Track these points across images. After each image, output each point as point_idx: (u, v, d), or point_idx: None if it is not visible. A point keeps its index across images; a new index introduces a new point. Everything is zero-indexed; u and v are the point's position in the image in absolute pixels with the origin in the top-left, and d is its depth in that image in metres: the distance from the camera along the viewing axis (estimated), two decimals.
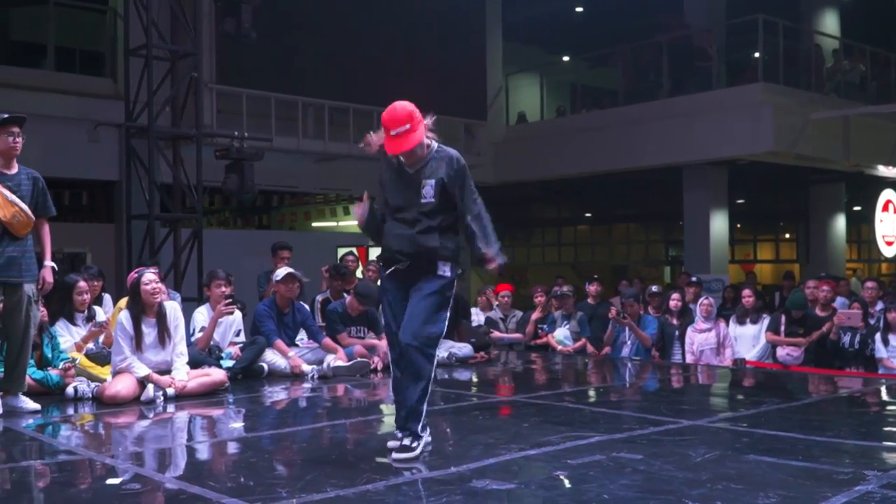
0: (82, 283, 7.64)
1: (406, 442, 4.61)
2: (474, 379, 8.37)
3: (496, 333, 10.76)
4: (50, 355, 7.07)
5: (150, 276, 6.93)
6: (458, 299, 9.72)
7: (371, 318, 9.10)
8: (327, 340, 8.56)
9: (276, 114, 14.28)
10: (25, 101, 11.26)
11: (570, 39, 20.87)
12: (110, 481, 4.24)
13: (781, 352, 9.35)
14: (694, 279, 11.34)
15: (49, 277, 6.24)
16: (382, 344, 8.79)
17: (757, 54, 15.94)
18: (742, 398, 7.75)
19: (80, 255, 13.26)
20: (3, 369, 6.22)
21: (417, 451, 4.59)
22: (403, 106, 4.74)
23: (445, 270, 4.73)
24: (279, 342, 8.30)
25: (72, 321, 7.59)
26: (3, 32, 13.98)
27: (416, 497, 3.90)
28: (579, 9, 20.87)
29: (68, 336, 7.49)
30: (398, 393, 4.74)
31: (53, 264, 6.32)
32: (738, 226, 20.85)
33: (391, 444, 4.68)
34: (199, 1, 12.70)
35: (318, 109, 15.08)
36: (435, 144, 4.85)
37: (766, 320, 9.62)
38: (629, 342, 9.92)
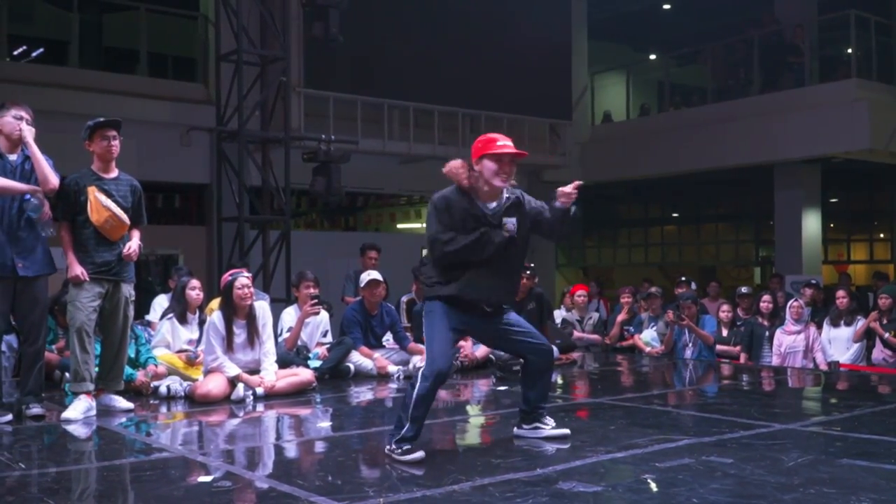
0: (195, 281, 7.83)
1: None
2: (559, 381, 8.32)
3: (574, 334, 10.69)
4: (133, 355, 7.23)
5: (243, 281, 7.06)
6: (541, 300, 9.73)
7: None
8: (412, 344, 8.60)
9: (362, 116, 14.41)
10: (120, 106, 11.59)
11: (657, 37, 20.61)
12: (202, 479, 4.33)
13: (878, 355, 9.10)
14: (745, 290, 11.05)
15: (136, 247, 6.32)
16: (466, 346, 8.84)
17: (850, 50, 15.55)
18: (835, 401, 7.56)
19: (173, 256, 13.59)
20: (98, 368, 6.39)
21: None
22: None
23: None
24: (363, 348, 8.39)
25: (182, 321, 7.73)
26: (96, 39, 14.38)
27: (503, 498, 3.89)
28: (666, 6, 20.60)
29: (168, 336, 7.63)
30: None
31: (141, 244, 6.42)
32: (832, 225, 20.32)
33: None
34: (287, 6, 12.91)
35: (403, 111, 15.17)
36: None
37: (860, 322, 9.38)
38: (691, 344, 9.71)
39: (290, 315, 8.50)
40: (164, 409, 6.68)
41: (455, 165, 4.77)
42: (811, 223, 16.39)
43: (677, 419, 6.13)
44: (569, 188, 4.78)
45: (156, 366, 7.26)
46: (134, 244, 6.30)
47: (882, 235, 21.56)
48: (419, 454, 4.58)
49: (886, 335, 8.95)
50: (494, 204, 4.80)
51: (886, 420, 6.04)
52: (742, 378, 8.85)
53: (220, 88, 12.63)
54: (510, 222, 4.77)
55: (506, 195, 4.84)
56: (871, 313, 9.39)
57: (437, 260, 4.77)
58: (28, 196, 5.92)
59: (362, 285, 8.59)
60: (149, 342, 7.59)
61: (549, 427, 5.12)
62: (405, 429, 4.66)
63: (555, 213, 4.86)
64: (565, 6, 17.85)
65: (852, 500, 3.77)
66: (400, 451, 4.61)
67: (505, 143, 4.73)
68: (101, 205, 6.10)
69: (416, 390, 4.68)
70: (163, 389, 7.01)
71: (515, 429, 5.20)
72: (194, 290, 7.74)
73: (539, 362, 5.06)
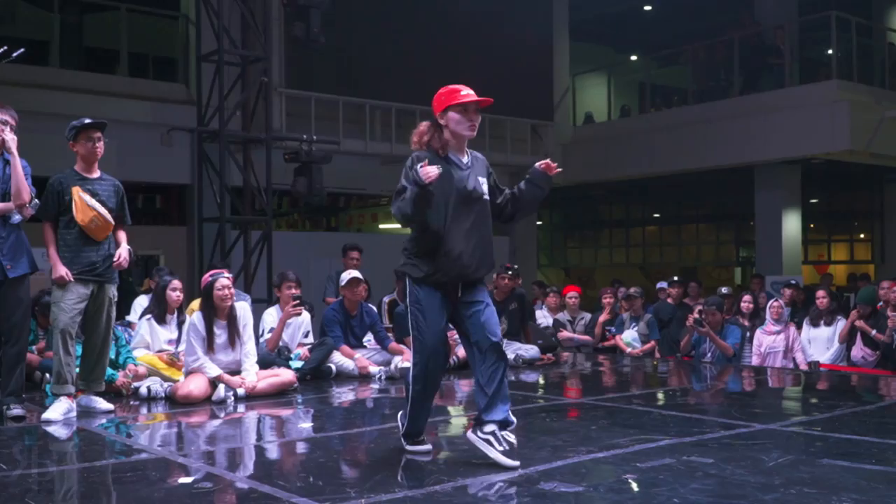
0: (177, 282, 7.78)
1: None
2: (541, 381, 8.33)
3: (565, 334, 10.71)
4: (113, 356, 7.19)
5: (223, 282, 7.03)
6: (523, 301, 9.75)
7: None
8: (393, 344, 8.62)
9: (344, 117, 14.40)
10: (100, 107, 11.53)
11: (639, 38, 20.70)
12: (183, 480, 4.32)
13: (857, 354, 9.16)
14: (725, 291, 11.10)
15: (125, 254, 6.32)
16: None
17: (830, 51, 15.64)
18: (816, 402, 7.59)
19: (154, 257, 13.54)
20: (79, 369, 6.35)
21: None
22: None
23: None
24: (344, 347, 8.38)
25: (161, 322, 7.69)
26: (77, 39, 14.29)
27: (484, 498, 3.90)
28: (648, 7, 20.67)
29: (147, 337, 7.59)
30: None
31: (130, 248, 6.42)
32: (812, 226, 20.45)
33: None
34: (268, 6, 12.88)
35: (385, 112, 15.16)
36: None
37: (840, 322, 9.44)
38: (710, 353, 9.55)
39: (271, 316, 8.47)
40: (144, 411, 6.65)
41: (421, 130, 4.73)
42: (791, 224, 16.48)
43: (658, 419, 6.15)
44: (551, 162, 4.72)
45: (135, 365, 7.22)
46: (123, 252, 6.30)
47: (862, 236, 21.72)
48: (427, 446, 4.75)
49: (873, 332, 9.00)
50: (465, 158, 4.68)
51: (867, 420, 6.08)
52: (723, 378, 8.89)
53: (200, 89, 12.59)
54: (481, 183, 4.64)
55: (471, 153, 4.73)
56: (853, 311, 9.45)
57: (395, 213, 4.57)
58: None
59: (343, 284, 8.59)
60: (129, 343, 7.55)
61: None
62: (404, 425, 4.76)
63: (532, 188, 4.76)
64: (547, 7, 17.88)
65: (833, 500, 3.79)
66: (409, 441, 4.79)
67: (468, 93, 4.62)
68: (86, 205, 6.07)
69: (409, 384, 4.71)
70: (143, 390, 6.97)
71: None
72: (175, 290, 7.71)
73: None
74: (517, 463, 4.38)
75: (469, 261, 4.54)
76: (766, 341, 9.45)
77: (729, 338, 9.48)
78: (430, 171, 4.32)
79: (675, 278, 11.88)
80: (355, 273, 8.68)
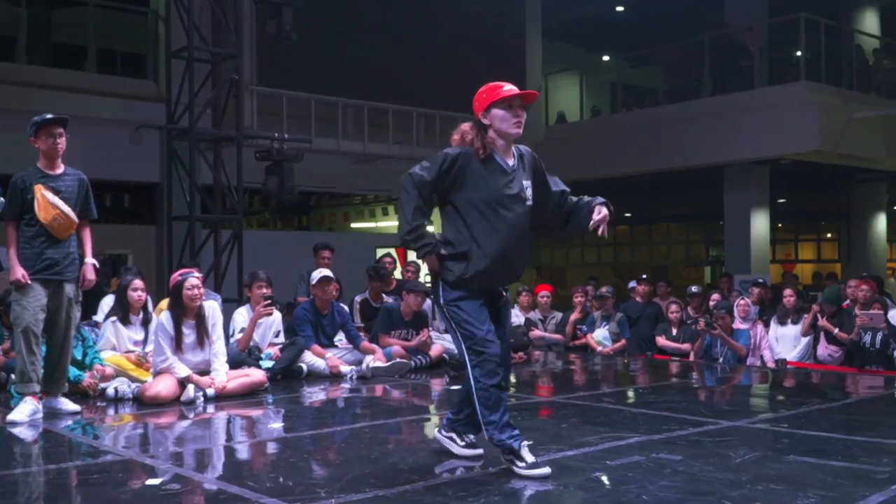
0: (137, 281, 7.67)
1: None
2: (512, 379, 8.34)
3: (536, 333, 10.73)
4: (80, 356, 7.12)
5: (193, 281, 6.98)
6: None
7: (422, 323, 9.14)
8: (365, 343, 8.61)
9: (316, 115, 14.35)
10: (67, 103, 11.41)
11: (611, 39, 20.79)
12: (150, 482, 4.28)
13: (822, 352, 9.25)
14: (695, 289, 11.18)
15: (90, 275, 6.30)
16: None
17: (799, 53, 15.78)
18: (783, 399, 7.66)
19: (122, 256, 13.42)
20: (43, 371, 6.29)
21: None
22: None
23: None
24: (315, 347, 8.36)
25: (126, 322, 7.60)
26: (44, 34, 14.14)
27: (455, 497, 3.90)
28: (620, 8, 20.77)
29: (112, 339, 7.52)
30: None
31: (94, 261, 6.39)
32: (780, 225, 20.64)
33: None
34: (240, 3, 12.79)
35: (358, 111, 15.13)
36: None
37: (805, 319, 9.54)
38: (721, 358, 9.52)
39: (242, 315, 8.42)
40: (111, 412, 6.58)
41: (464, 129, 4.42)
42: (760, 223, 16.61)
43: (628, 417, 6.17)
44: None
45: (102, 365, 7.15)
46: (88, 272, 6.27)
47: (829, 235, 21.95)
48: (546, 469, 4.22)
49: (836, 331, 9.10)
50: (512, 160, 4.41)
51: (833, 417, 6.15)
52: (691, 376, 8.95)
53: (170, 86, 12.48)
54: (527, 187, 4.41)
55: (518, 152, 4.47)
56: (813, 306, 9.54)
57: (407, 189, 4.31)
58: None
59: (314, 283, 8.57)
60: (96, 343, 7.47)
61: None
62: (506, 439, 4.26)
63: (581, 217, 4.58)
64: (520, 7, 17.92)
65: (800, 496, 3.83)
66: (524, 465, 4.23)
67: (511, 87, 4.33)
68: (48, 203, 6.02)
69: (476, 397, 4.28)
70: (110, 391, 6.91)
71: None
72: (136, 290, 7.60)
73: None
74: (480, 451, 4.51)
75: (501, 267, 4.34)
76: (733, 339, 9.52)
77: (740, 339, 9.51)
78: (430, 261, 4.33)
79: (644, 276, 11.94)
80: (326, 272, 8.66)
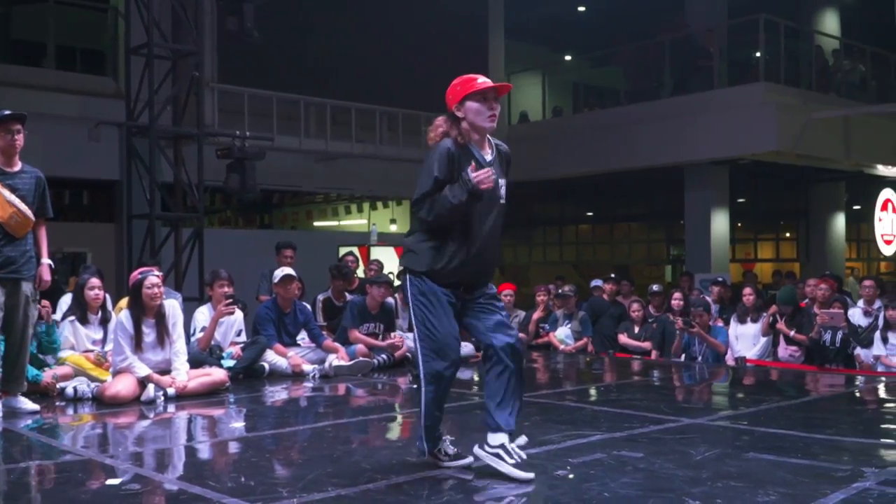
0: (94, 279, 7.58)
1: None
2: (475, 378, 8.36)
3: None
4: (40, 355, 7.03)
5: (153, 280, 6.92)
6: None
7: (389, 316, 9.12)
8: (328, 342, 8.59)
9: (278, 113, 14.29)
10: (26, 100, 11.24)
11: (573, 38, 20.87)
12: (110, 482, 4.24)
13: (783, 353, 9.36)
14: (656, 288, 11.26)
15: (46, 275, 6.24)
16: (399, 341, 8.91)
17: (758, 54, 15.94)
18: (742, 396, 7.75)
19: (81, 254, 13.27)
20: (2, 370, 6.21)
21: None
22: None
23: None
24: (278, 346, 8.32)
25: (84, 322, 7.52)
26: (3, 30, 13.96)
27: (417, 496, 3.89)
28: (581, 8, 20.86)
29: (71, 338, 7.43)
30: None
31: (50, 262, 6.32)
32: (739, 225, 20.84)
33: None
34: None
35: (320, 109, 15.08)
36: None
37: (764, 319, 9.64)
38: (700, 356, 9.53)
39: (203, 314, 8.36)
40: (71, 411, 6.51)
41: (437, 124, 4.34)
42: (719, 223, 16.75)
43: (590, 415, 6.21)
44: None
45: (51, 367, 7.07)
46: (45, 275, 6.22)
47: (788, 235, 22.22)
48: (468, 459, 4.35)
49: (792, 333, 9.20)
50: (489, 154, 4.38)
51: (792, 415, 6.22)
52: (653, 374, 9.02)
53: (130, 82, 12.36)
54: (503, 185, 4.37)
55: (494, 147, 4.44)
56: (772, 307, 9.64)
57: (426, 216, 4.17)
58: None
59: (276, 281, 8.53)
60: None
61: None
62: (422, 442, 4.36)
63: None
64: (483, 7, 17.95)
65: (759, 493, 3.86)
66: (447, 458, 4.38)
67: (485, 80, 4.28)
68: (4, 200, 5.95)
69: (422, 397, 4.26)
70: (69, 391, 6.83)
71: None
72: (93, 289, 7.52)
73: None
74: (531, 475, 4.14)
75: (479, 263, 4.30)
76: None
77: (718, 337, 9.53)
78: (484, 178, 4.05)
79: (612, 275, 12.02)
80: (289, 270, 8.63)
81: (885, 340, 8.66)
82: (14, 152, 6.10)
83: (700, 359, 9.47)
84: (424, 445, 4.37)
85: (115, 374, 6.85)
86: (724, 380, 8.61)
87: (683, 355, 9.51)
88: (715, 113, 15.17)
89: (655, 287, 11.36)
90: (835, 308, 9.19)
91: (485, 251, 4.30)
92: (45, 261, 6.27)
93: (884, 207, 18.52)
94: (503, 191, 4.41)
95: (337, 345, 8.57)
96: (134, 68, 12.30)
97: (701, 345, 9.50)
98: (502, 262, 22.88)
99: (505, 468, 4.13)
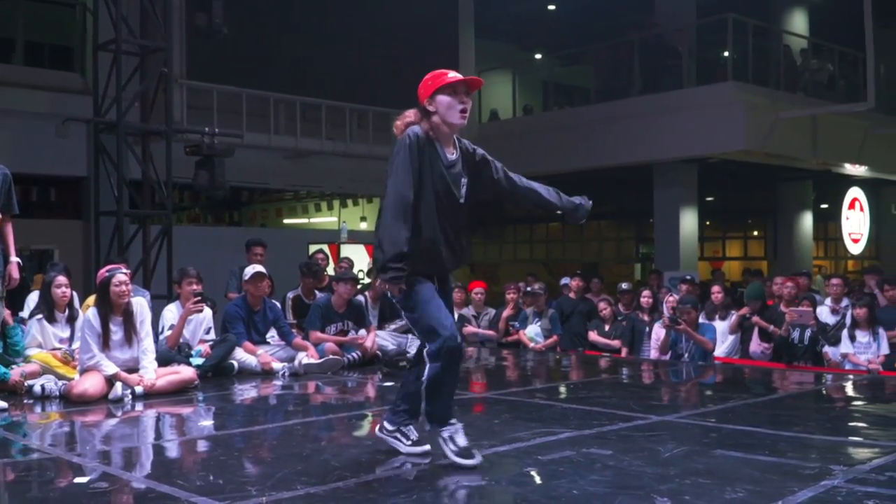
0: (61, 277, 7.51)
1: None
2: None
3: (469, 329, 10.77)
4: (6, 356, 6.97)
5: (120, 278, 6.86)
6: None
7: (358, 313, 9.07)
8: (297, 340, 8.56)
9: (247, 110, 14.21)
10: None
11: (543, 37, 20.93)
12: (78, 480, 4.20)
13: (755, 348, 9.43)
14: (626, 286, 11.34)
15: (16, 273, 6.18)
16: (370, 337, 8.87)
17: (727, 53, 16.05)
18: (710, 394, 7.80)
19: (48, 252, 13.14)
20: None
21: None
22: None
23: None
24: (247, 344, 8.29)
25: (51, 320, 7.46)
26: None
27: (387, 494, 3.89)
28: (551, 7, 20.92)
29: (38, 337, 7.37)
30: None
31: (18, 260, 6.26)
32: (708, 223, 21.01)
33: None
34: None
35: (290, 106, 15.02)
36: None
37: (734, 316, 9.72)
38: (687, 353, 9.45)
39: (171, 312, 8.31)
40: (38, 409, 6.45)
41: (407, 116, 4.37)
42: (688, 221, 16.86)
43: (559, 412, 6.24)
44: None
45: (19, 365, 7.01)
46: (14, 271, 6.18)
47: (756, 233, 22.43)
48: (426, 447, 4.42)
49: (771, 328, 9.28)
50: (453, 153, 4.40)
51: (760, 412, 6.27)
52: (622, 371, 9.06)
53: (97, 79, 12.24)
54: (462, 185, 4.40)
55: (460, 147, 4.48)
56: (744, 307, 9.72)
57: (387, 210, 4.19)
58: None
59: (247, 279, 8.49)
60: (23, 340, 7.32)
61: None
62: (407, 418, 4.43)
63: (567, 205, 4.92)
64: (452, 5, 17.94)
65: (727, 490, 3.89)
66: (409, 442, 4.45)
67: (456, 74, 4.35)
68: None
69: (425, 374, 4.27)
70: (37, 389, 6.77)
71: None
72: (60, 287, 7.46)
73: None
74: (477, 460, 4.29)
75: (445, 255, 4.35)
76: (663, 335, 9.64)
77: (705, 334, 9.40)
78: (393, 288, 4.15)
79: (578, 272, 12.07)
80: (259, 268, 8.59)
81: (852, 338, 8.76)
82: None
83: (686, 356, 9.41)
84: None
85: (83, 372, 6.79)
86: (693, 377, 8.67)
87: (670, 353, 9.49)
88: (684, 112, 15.26)
89: (624, 285, 11.43)
90: (804, 306, 9.27)
91: (450, 249, 4.36)
92: (14, 259, 6.21)
93: (851, 206, 18.75)
94: (464, 190, 4.42)
95: (307, 343, 8.55)
96: (102, 64, 12.18)
97: (688, 342, 9.42)
98: (472, 259, 22.93)
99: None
